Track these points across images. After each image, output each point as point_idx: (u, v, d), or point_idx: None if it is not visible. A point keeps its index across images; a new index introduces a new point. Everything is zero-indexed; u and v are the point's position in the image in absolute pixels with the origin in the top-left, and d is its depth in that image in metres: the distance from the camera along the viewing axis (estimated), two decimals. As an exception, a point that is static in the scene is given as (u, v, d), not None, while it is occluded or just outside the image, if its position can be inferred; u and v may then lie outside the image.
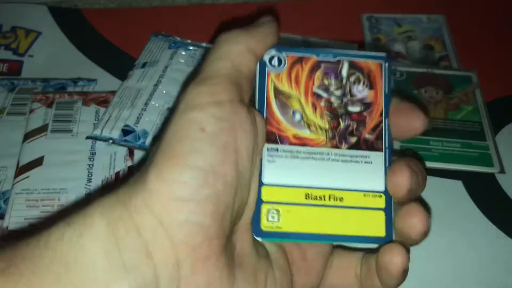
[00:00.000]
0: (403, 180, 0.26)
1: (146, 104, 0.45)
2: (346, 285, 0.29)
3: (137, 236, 0.21)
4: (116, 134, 0.42)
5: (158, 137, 0.24)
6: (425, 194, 0.40)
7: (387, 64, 0.28)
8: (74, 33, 0.54)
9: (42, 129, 0.43)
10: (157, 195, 0.21)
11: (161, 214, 0.21)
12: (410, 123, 0.27)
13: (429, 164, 0.43)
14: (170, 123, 0.23)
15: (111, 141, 0.42)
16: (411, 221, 0.25)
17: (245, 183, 0.24)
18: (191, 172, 0.21)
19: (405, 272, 0.26)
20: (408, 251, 0.26)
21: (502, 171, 0.43)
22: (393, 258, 0.25)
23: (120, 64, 0.51)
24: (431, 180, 0.43)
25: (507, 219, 0.40)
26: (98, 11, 0.58)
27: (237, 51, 0.25)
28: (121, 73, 0.49)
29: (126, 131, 0.42)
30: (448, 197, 0.42)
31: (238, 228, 0.25)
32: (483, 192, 0.42)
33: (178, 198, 0.21)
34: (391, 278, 0.26)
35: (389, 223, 0.26)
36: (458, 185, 0.43)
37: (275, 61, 0.27)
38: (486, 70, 0.51)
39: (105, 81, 0.49)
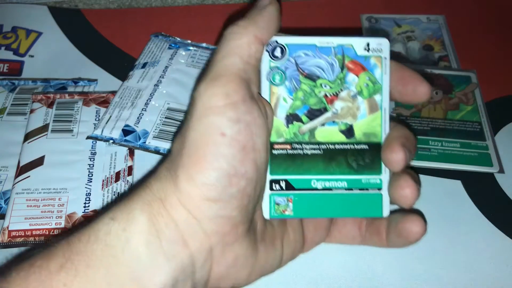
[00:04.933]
0: (398, 159, 0.28)
1: (146, 104, 0.45)
2: (350, 238, 0.33)
3: (175, 229, 0.24)
4: (116, 134, 0.42)
5: (178, 133, 0.26)
6: (425, 194, 0.40)
7: (386, 58, 0.29)
8: (74, 33, 0.55)
9: (43, 129, 0.43)
10: (189, 196, 0.24)
11: (194, 211, 0.24)
12: (416, 92, 0.28)
13: (429, 164, 0.43)
14: (191, 125, 0.25)
15: (111, 141, 0.42)
16: (404, 192, 0.28)
17: (263, 172, 0.27)
18: (217, 174, 0.24)
19: (419, 240, 0.29)
20: (426, 222, 0.29)
21: (501, 171, 0.43)
22: (413, 227, 0.29)
23: (120, 64, 0.51)
24: (430, 180, 0.43)
25: (506, 219, 0.41)
26: (98, 11, 0.58)
27: (245, 43, 0.26)
28: (121, 73, 0.49)
29: (126, 131, 0.42)
30: (447, 197, 0.42)
31: (258, 208, 0.28)
32: (482, 192, 0.42)
33: (208, 198, 0.24)
34: (406, 243, 0.30)
35: (384, 201, 0.30)
36: (457, 185, 0.43)
37: (277, 52, 0.28)
38: (485, 70, 0.51)
39: (106, 81, 0.49)
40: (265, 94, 0.28)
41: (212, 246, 0.25)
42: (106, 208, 0.27)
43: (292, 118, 0.29)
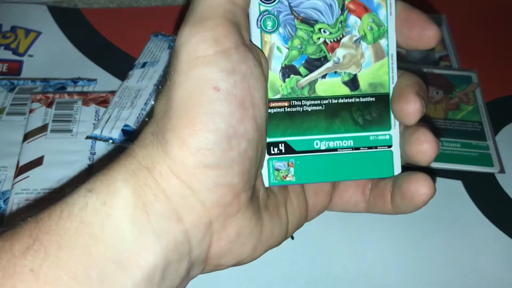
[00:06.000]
0: (415, 109, 0.25)
1: (146, 104, 0.45)
2: (353, 204, 0.29)
3: (166, 202, 0.21)
4: (116, 134, 0.42)
5: (161, 92, 0.23)
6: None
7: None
8: (74, 33, 0.54)
9: (42, 129, 0.43)
10: (183, 164, 0.21)
11: (189, 180, 0.21)
12: (423, 36, 0.25)
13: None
14: (177, 80, 0.22)
15: (111, 141, 0.42)
16: (423, 147, 0.25)
17: (264, 130, 0.24)
18: (214, 137, 0.21)
19: (426, 203, 0.26)
20: (434, 182, 0.26)
21: (502, 171, 0.43)
22: (420, 188, 0.25)
23: (120, 64, 0.51)
24: (430, 180, 0.43)
25: (506, 219, 0.40)
26: (98, 11, 0.58)
27: None
28: (121, 73, 0.49)
29: (126, 131, 0.42)
30: (447, 197, 0.42)
31: (259, 173, 0.25)
32: (483, 192, 0.42)
33: (206, 165, 0.21)
34: (411, 206, 0.26)
35: (395, 159, 0.27)
36: (457, 185, 0.43)
37: None
38: (486, 70, 0.51)
39: (105, 81, 0.49)
40: (256, 43, 0.25)
41: (212, 219, 0.22)
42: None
43: (288, 70, 0.25)
